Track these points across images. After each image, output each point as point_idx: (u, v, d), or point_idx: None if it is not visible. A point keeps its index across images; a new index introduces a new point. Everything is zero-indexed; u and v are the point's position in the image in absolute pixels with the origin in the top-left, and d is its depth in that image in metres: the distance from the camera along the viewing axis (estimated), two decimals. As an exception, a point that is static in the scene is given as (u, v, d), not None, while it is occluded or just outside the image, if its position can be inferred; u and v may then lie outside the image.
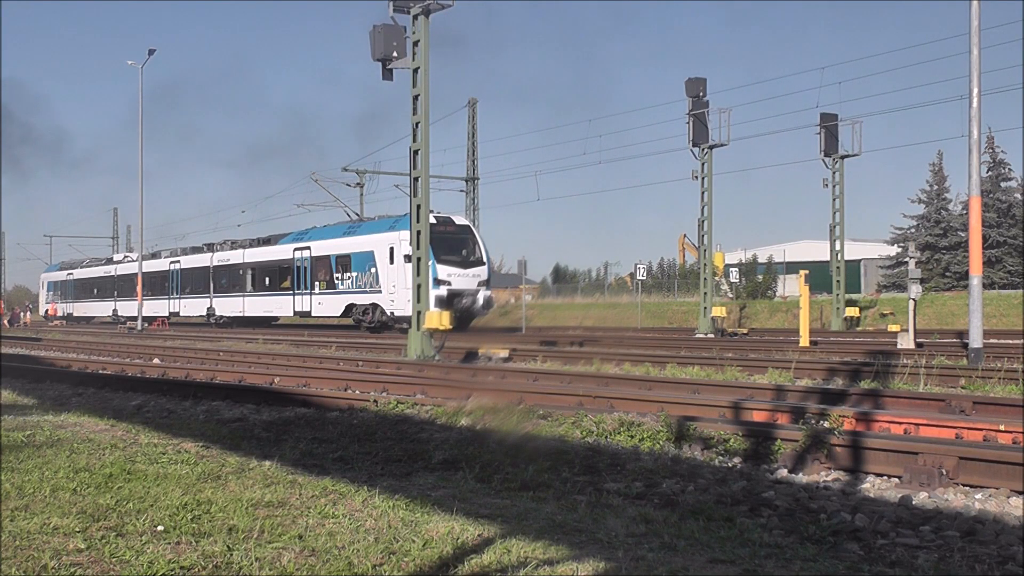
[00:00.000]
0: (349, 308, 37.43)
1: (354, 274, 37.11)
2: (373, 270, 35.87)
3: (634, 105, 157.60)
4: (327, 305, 39.06)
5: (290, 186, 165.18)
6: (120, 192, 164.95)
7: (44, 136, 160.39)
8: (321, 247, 39.55)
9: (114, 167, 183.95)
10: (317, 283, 39.62)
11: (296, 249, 41.16)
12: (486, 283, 34.76)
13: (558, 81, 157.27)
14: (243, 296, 45.11)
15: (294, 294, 41.06)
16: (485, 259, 35.10)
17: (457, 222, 35.90)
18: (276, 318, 44.66)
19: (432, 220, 33.16)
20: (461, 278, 33.64)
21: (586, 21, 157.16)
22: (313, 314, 40.42)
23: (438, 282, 32.07)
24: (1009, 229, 53.17)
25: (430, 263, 31.45)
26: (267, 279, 43.54)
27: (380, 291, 35.47)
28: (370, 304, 36.14)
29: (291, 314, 41.81)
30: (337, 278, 38.27)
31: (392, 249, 34.54)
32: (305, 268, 40.35)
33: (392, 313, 34.69)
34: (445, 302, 31.35)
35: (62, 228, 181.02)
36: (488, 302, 34.70)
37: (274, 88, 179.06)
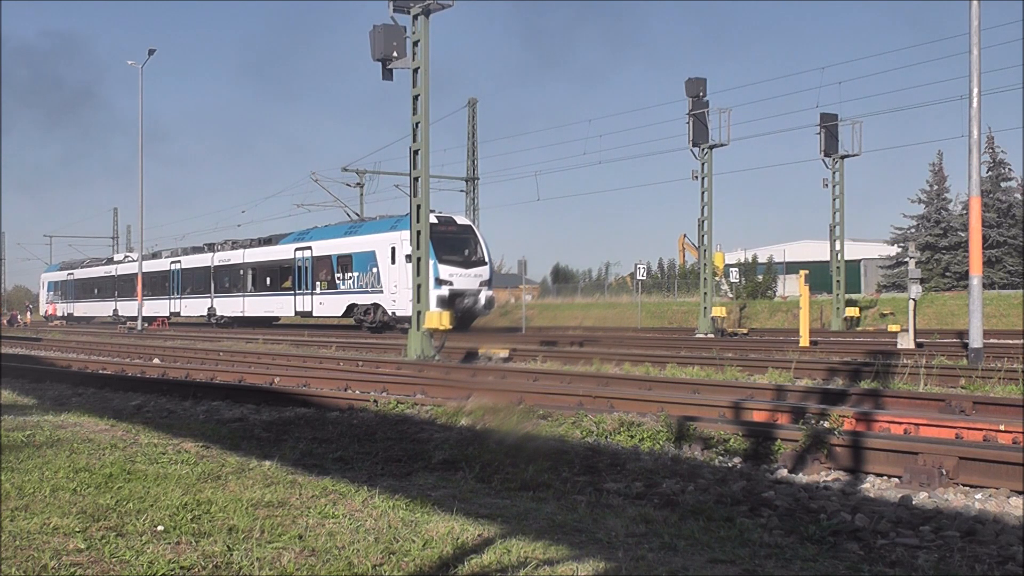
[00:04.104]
0: (350, 308, 37.36)
1: (355, 274, 37.05)
2: (375, 270, 35.83)
3: (634, 105, 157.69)
4: (328, 305, 39.02)
5: (290, 186, 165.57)
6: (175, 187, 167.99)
7: (135, 125, 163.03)
8: (322, 247, 39.49)
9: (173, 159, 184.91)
10: (318, 283, 39.55)
11: (297, 249, 41.11)
12: (488, 283, 34.72)
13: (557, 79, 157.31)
14: (244, 296, 45.06)
15: (295, 294, 41.01)
16: (487, 259, 35.05)
17: (459, 222, 35.85)
18: (277, 318, 44.60)
19: (434, 220, 33.13)
20: (463, 278, 33.59)
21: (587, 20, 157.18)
22: (314, 314, 40.35)
23: (440, 282, 32.02)
24: (1009, 229, 53.17)
25: (432, 263, 31.47)
26: (268, 279, 43.50)
27: (382, 291, 35.42)
28: (372, 304, 36.08)
29: (292, 314, 41.75)
30: (338, 278, 38.21)
31: (394, 249, 34.50)
32: (306, 268, 40.29)
33: (394, 313, 34.64)
34: (447, 302, 31.32)
35: (63, 228, 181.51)
36: (490, 302, 34.66)
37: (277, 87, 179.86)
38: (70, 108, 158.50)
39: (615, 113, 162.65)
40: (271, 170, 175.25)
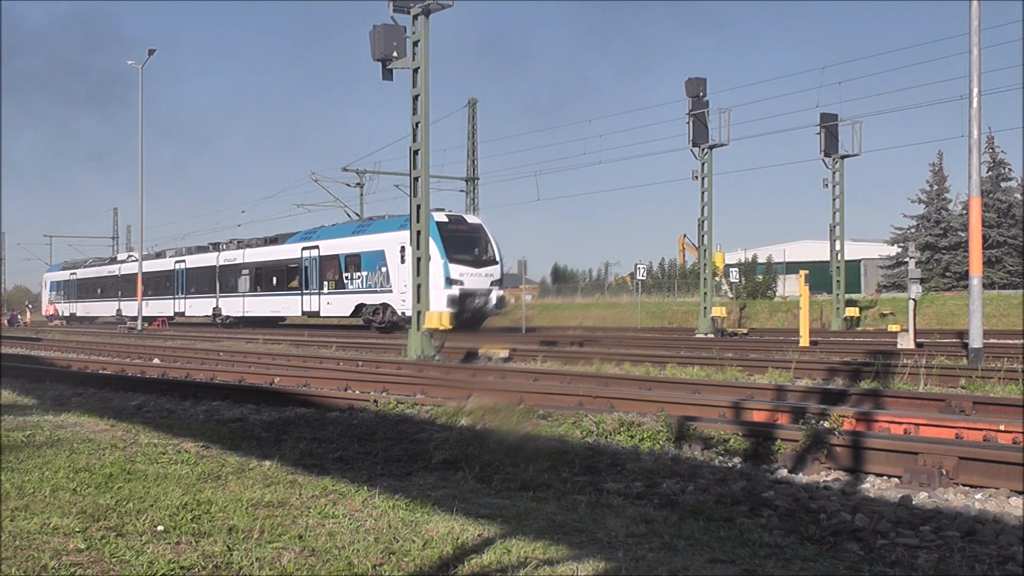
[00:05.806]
0: (359, 308, 36.92)
1: (364, 273, 36.71)
2: (384, 269, 35.51)
3: (634, 105, 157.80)
4: (336, 305, 38.65)
5: (290, 186, 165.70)
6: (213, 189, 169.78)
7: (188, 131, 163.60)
8: (330, 246, 39.13)
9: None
10: (326, 283, 39.18)
11: (304, 248, 40.74)
12: (499, 282, 34.35)
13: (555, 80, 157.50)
14: (250, 296, 44.80)
15: (302, 294, 40.69)
16: (498, 258, 34.64)
17: (469, 221, 35.51)
18: (283, 318, 44.21)
19: (444, 219, 33.10)
20: (473, 277, 33.20)
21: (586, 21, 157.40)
22: (322, 314, 39.81)
23: (450, 282, 31.81)
24: (1009, 229, 53.16)
25: (442, 263, 31.33)
26: (274, 279, 43.21)
27: (391, 291, 35.05)
28: (380, 304, 35.71)
29: (299, 314, 41.31)
30: (347, 278, 37.85)
31: (403, 248, 34.10)
32: (314, 268, 39.95)
33: (403, 313, 34.27)
34: (457, 302, 31.10)
35: (62, 228, 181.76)
36: (500, 302, 34.23)
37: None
38: (94, 99, 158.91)
39: (615, 113, 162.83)
40: (273, 170, 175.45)
